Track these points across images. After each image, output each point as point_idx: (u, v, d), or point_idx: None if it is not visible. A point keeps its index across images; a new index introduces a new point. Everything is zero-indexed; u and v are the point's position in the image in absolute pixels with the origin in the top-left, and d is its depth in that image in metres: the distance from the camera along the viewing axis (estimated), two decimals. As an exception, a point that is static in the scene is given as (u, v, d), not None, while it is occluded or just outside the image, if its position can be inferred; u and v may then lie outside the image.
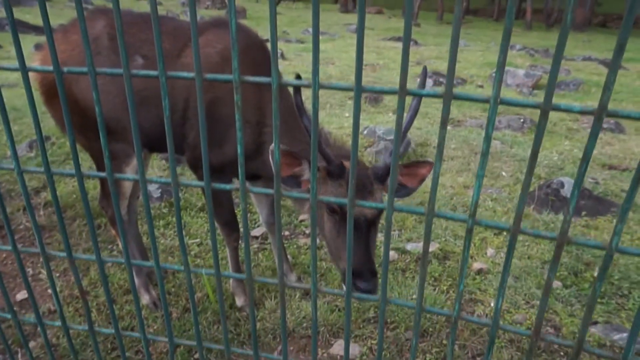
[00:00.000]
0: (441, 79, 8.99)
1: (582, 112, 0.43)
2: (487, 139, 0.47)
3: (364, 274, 1.90)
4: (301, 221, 3.99)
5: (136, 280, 2.94)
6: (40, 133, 0.61)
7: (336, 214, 2.02)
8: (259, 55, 2.37)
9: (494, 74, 9.50)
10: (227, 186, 0.58)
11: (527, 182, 0.49)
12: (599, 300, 3.13)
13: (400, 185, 2.09)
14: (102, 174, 0.60)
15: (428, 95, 0.48)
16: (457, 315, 0.56)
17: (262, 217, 3.11)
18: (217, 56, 2.29)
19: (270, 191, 0.56)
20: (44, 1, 0.55)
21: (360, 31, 0.44)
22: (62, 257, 0.70)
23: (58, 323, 0.79)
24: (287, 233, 3.89)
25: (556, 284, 3.30)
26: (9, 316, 0.81)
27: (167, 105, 0.54)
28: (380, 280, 2.52)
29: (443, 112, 0.45)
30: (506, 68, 9.53)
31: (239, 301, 2.95)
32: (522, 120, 6.46)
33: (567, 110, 0.43)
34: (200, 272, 0.68)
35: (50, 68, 0.57)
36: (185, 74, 0.54)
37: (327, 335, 2.77)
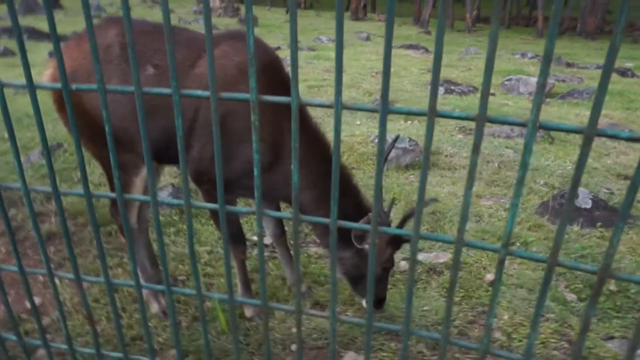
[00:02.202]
0: (452, 87, 8.93)
1: (631, 139, 0.40)
2: (524, 166, 0.44)
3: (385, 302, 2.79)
4: (312, 229, 3.95)
5: (144, 290, 2.93)
6: (48, 155, 0.58)
7: (386, 269, 2.59)
8: (274, 73, 2.35)
9: (506, 82, 9.43)
10: (243, 209, 0.55)
11: (568, 212, 0.46)
12: (615, 314, 3.06)
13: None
14: (112, 195, 0.58)
15: (460, 118, 0.45)
16: (485, 349, 0.53)
17: (269, 230, 3.09)
18: (234, 69, 2.25)
19: (288, 215, 0.53)
20: (52, 17, 0.53)
21: (387, 52, 0.41)
22: (71, 279, 0.67)
23: (65, 346, 0.77)
24: (297, 242, 3.85)
25: (570, 296, 3.23)
26: (14, 338, 0.79)
27: (179, 125, 0.52)
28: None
29: (476, 137, 0.42)
30: (518, 76, 9.44)
31: (248, 312, 2.92)
32: (534, 128, 6.38)
33: (614, 136, 0.40)
34: (212, 297, 0.65)
35: (58, 85, 0.54)
36: (199, 92, 0.51)
37: (337, 347, 2.73)
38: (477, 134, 0.42)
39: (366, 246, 2.44)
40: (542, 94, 0.40)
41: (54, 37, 0.48)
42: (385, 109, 0.41)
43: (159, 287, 0.67)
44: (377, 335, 2.86)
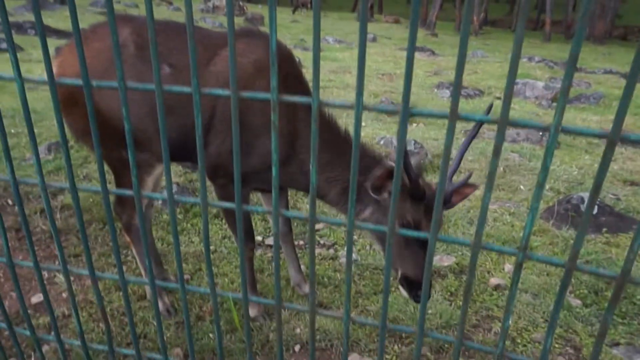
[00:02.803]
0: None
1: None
2: (545, 170, 0.44)
3: (420, 290, 2.19)
4: (316, 231, 3.95)
5: (148, 288, 2.93)
6: (67, 153, 0.59)
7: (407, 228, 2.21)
8: (288, 68, 2.36)
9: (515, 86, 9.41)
10: (260, 209, 0.55)
11: (585, 224, 0.45)
12: (620, 320, 3.04)
13: (445, 201, 2.23)
14: (129, 192, 0.58)
15: (481, 120, 0.45)
16: (500, 353, 0.52)
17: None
18: (250, 67, 2.27)
19: (303, 216, 0.53)
20: (75, 15, 0.53)
21: (410, 55, 0.41)
22: (85, 274, 0.68)
23: (78, 342, 0.77)
24: (301, 242, 3.86)
25: (575, 302, 3.22)
26: (28, 333, 0.79)
27: (199, 124, 0.52)
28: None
29: (497, 140, 0.42)
30: (525, 80, 9.42)
31: (252, 311, 2.92)
32: (540, 133, 6.37)
33: (637, 141, 0.40)
34: (226, 296, 0.65)
35: (79, 82, 0.55)
36: (220, 91, 0.52)
37: (341, 349, 2.73)
38: (499, 137, 0.42)
39: (386, 195, 2.23)
40: (566, 96, 0.40)
41: (77, 36, 0.48)
42: (406, 111, 0.41)
43: (173, 284, 0.68)
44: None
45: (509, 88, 0.40)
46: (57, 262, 3.40)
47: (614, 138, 0.38)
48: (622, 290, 0.42)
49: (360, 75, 0.43)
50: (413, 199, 2.21)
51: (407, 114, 0.41)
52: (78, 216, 0.63)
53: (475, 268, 0.52)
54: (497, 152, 0.42)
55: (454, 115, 0.41)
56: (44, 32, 0.52)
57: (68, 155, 0.59)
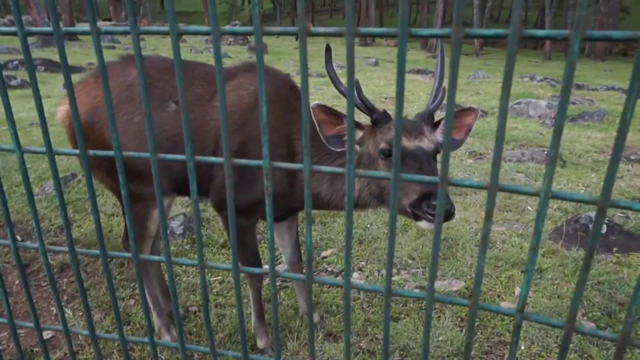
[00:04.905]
0: (462, 111, 8.93)
1: (645, 212, 0.40)
2: (537, 234, 0.44)
3: (436, 191, 1.81)
4: (323, 258, 3.94)
5: (157, 321, 2.92)
6: (67, 220, 0.59)
7: (391, 155, 2.07)
8: (289, 95, 2.41)
9: (515, 105, 9.43)
10: (256, 270, 0.56)
11: (582, 284, 0.45)
12: None
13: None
14: (127, 254, 0.58)
15: (472, 187, 0.45)
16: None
17: (286, 256, 3.08)
18: (249, 97, 2.34)
19: (301, 277, 0.54)
20: (69, 77, 0.55)
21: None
22: (85, 334, 0.68)
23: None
24: (308, 270, 3.83)
25: (589, 325, 3.16)
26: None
27: (194, 190, 0.52)
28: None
29: (487, 205, 0.42)
30: (527, 99, 9.45)
31: (261, 343, 2.89)
32: (545, 152, 6.35)
33: (627, 208, 0.40)
34: (226, 355, 0.65)
35: (77, 151, 0.56)
36: (213, 158, 0.53)
37: (351, 380, 2.69)
38: (489, 202, 0.42)
39: (341, 148, 2.12)
40: (554, 165, 0.40)
41: (70, 91, 0.49)
42: (397, 178, 0.41)
43: (173, 344, 0.67)
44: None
45: (498, 154, 0.40)
46: (65, 297, 3.40)
47: (604, 205, 0.38)
48: (623, 353, 0.41)
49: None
50: (375, 124, 2.17)
51: (397, 179, 0.42)
52: (77, 279, 0.63)
53: (474, 328, 0.51)
54: (488, 216, 0.42)
55: (444, 182, 0.41)
56: (41, 102, 0.53)
57: (67, 221, 0.60)
